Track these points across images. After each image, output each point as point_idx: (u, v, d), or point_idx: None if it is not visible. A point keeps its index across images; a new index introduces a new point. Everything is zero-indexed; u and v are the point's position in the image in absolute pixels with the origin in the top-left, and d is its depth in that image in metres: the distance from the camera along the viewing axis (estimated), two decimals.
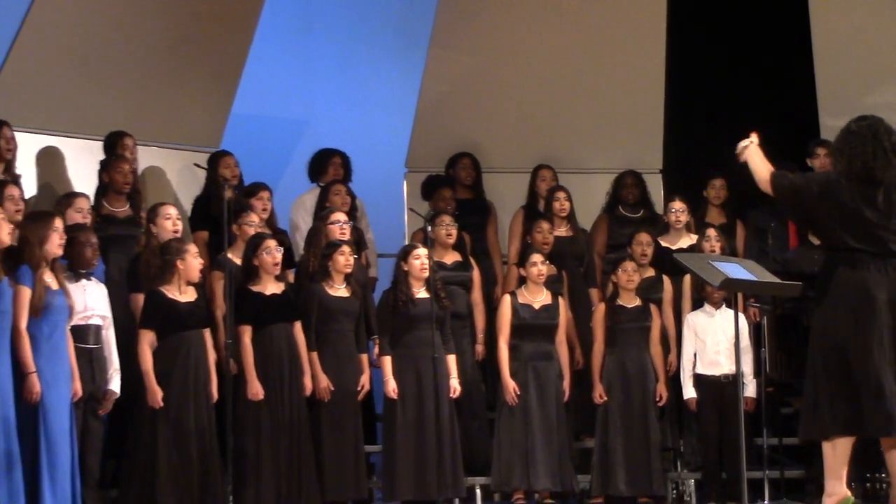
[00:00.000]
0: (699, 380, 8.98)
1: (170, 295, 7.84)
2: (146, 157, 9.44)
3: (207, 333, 7.97)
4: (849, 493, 6.26)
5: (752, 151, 6.45)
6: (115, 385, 7.67)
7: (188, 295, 7.90)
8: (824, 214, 6.27)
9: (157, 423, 7.73)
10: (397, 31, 11.51)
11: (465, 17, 10.42)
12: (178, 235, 8.21)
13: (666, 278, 9.30)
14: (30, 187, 8.82)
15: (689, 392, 8.98)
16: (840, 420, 6.16)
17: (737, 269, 7.03)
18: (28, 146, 8.97)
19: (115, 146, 8.96)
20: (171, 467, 7.68)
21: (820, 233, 6.47)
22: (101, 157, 8.92)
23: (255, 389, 8.04)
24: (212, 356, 7.95)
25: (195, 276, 7.90)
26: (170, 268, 7.85)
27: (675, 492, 9.34)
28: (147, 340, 7.81)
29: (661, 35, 10.39)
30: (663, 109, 10.52)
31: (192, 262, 7.88)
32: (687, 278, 9.15)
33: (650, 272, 9.26)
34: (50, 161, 9.19)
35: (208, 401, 7.86)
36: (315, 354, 8.34)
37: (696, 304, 9.14)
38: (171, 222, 8.23)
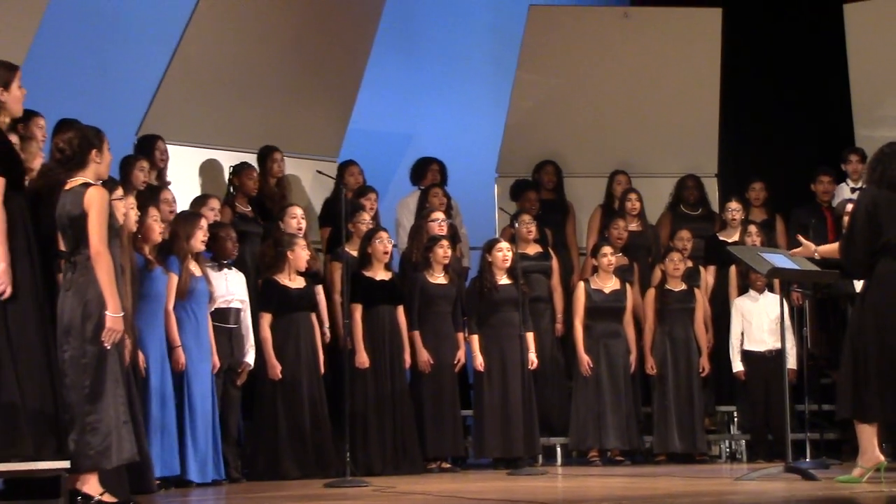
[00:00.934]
0: (747, 355, 8.92)
1: (282, 282, 7.91)
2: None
3: (314, 316, 7.95)
4: (882, 457, 6.04)
5: (821, 250, 6.46)
6: (249, 358, 7.76)
7: (298, 282, 7.97)
8: (882, 223, 5.98)
9: (276, 392, 7.81)
10: (489, 58, 11.59)
11: (548, 45, 10.31)
12: (302, 232, 8.10)
13: (703, 268, 9.29)
14: (189, 193, 8.77)
15: (738, 366, 8.95)
16: (889, 407, 5.83)
17: (782, 260, 6.89)
18: (185, 158, 8.97)
19: (266, 158, 8.96)
20: (289, 429, 7.78)
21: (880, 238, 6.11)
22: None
23: (363, 359, 8.04)
24: (318, 335, 7.90)
25: (303, 265, 7.97)
26: (281, 257, 7.89)
27: (728, 451, 9.10)
28: (266, 321, 7.85)
29: (716, 60, 10.29)
30: (718, 123, 10.31)
31: (301, 252, 7.94)
32: (732, 268, 8.92)
33: (689, 263, 9.19)
34: (205, 170, 9.15)
35: (318, 373, 7.86)
36: (417, 333, 8.29)
37: (741, 291, 9.05)
38: (296, 221, 8.27)
